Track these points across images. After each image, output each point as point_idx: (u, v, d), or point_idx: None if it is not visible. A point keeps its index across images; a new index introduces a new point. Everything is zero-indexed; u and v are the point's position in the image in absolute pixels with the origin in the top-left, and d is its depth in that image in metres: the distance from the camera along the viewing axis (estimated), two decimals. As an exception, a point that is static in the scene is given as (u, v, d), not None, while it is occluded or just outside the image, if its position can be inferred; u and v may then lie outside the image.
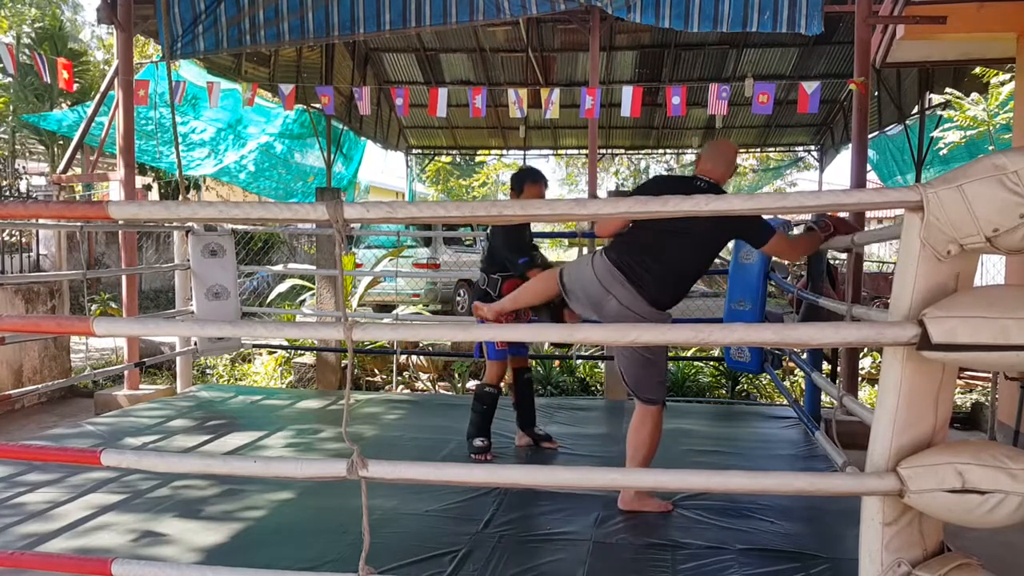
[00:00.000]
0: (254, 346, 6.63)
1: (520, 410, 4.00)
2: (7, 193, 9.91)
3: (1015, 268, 4.78)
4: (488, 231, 3.91)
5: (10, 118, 14.36)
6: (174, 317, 5.38)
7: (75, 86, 13.93)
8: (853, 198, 1.46)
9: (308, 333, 2.37)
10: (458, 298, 10.93)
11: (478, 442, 3.74)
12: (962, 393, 6.10)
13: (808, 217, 4.58)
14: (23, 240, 9.08)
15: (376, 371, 7.08)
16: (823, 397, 4.37)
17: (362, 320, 1.55)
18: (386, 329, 2.18)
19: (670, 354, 6.80)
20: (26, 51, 12.46)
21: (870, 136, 9.07)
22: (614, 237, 3.07)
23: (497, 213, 1.62)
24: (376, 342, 6.59)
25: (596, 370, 6.69)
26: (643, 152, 15.58)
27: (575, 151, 15.32)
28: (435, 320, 7.77)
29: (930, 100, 8.74)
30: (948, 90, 7.86)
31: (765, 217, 4.39)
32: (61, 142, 13.62)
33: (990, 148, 7.81)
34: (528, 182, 3.69)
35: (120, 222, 4.74)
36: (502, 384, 3.90)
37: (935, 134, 8.80)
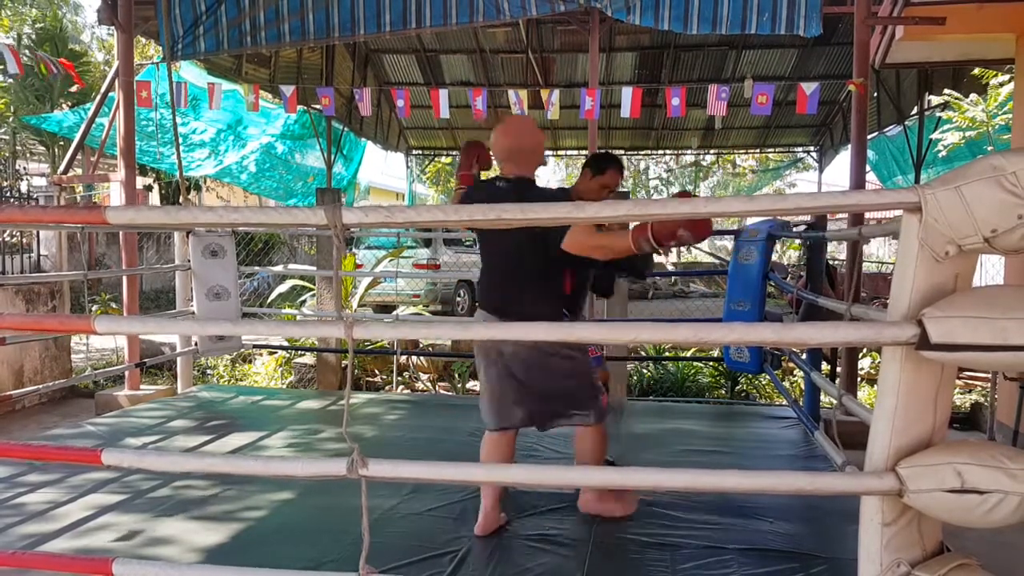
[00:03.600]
0: (254, 347, 6.64)
1: None
2: (8, 194, 9.92)
3: (1014, 268, 4.79)
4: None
5: (11, 119, 14.36)
6: (175, 317, 5.39)
7: (76, 87, 13.96)
8: (852, 199, 1.47)
9: (309, 332, 2.37)
10: (458, 299, 10.94)
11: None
12: (961, 393, 6.10)
13: (807, 218, 4.60)
14: (24, 241, 9.09)
15: (376, 371, 7.08)
16: (822, 397, 4.37)
17: (363, 319, 1.56)
18: (386, 328, 2.18)
19: (669, 354, 6.82)
20: (26, 52, 12.46)
21: (869, 137, 9.07)
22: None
23: (496, 217, 1.62)
24: (376, 342, 6.59)
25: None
26: (643, 153, 15.59)
27: (575, 152, 15.32)
28: (435, 320, 7.77)
29: (929, 101, 8.75)
30: (947, 91, 7.86)
31: (762, 219, 4.42)
32: (62, 143, 13.63)
33: (989, 149, 7.81)
34: (613, 168, 3.30)
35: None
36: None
37: (934, 136, 8.81)
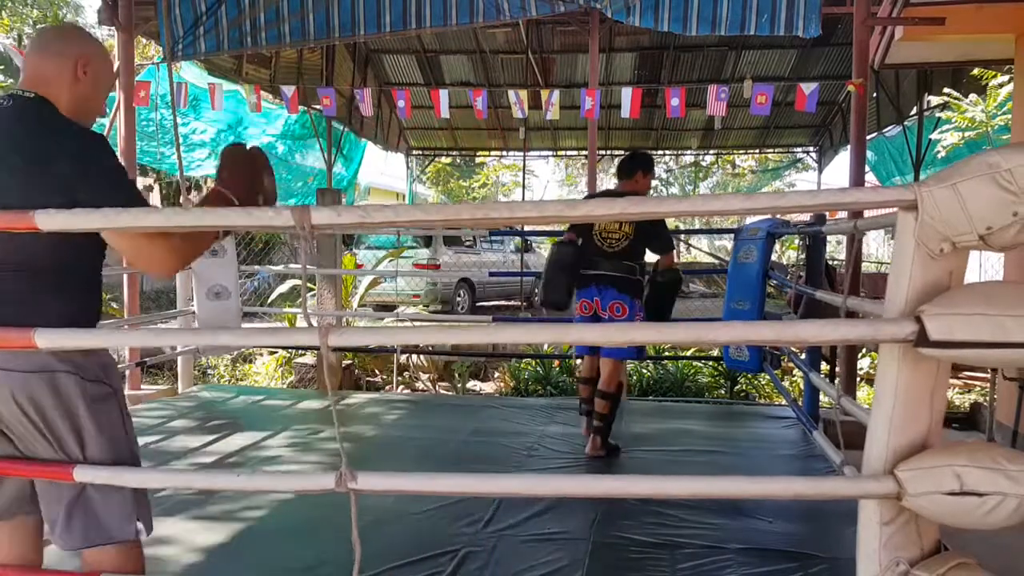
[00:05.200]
0: (255, 346, 6.64)
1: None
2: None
3: (1013, 265, 4.79)
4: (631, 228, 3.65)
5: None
6: (175, 317, 5.40)
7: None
8: (849, 197, 1.47)
9: (282, 340, 2.34)
10: (458, 298, 10.95)
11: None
12: (961, 393, 6.11)
13: (806, 217, 4.60)
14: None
15: (376, 371, 7.09)
16: (822, 397, 4.38)
17: (339, 326, 1.55)
18: (363, 334, 2.13)
19: (669, 354, 6.80)
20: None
21: (868, 137, 9.07)
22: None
23: (483, 216, 1.60)
24: (376, 343, 6.60)
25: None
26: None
27: (575, 152, 15.32)
28: (430, 321, 7.77)
29: (928, 101, 8.75)
30: (946, 91, 7.86)
31: (761, 218, 4.42)
32: (62, 143, 13.64)
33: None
34: (642, 171, 3.75)
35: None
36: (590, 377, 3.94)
37: (934, 136, 8.81)
